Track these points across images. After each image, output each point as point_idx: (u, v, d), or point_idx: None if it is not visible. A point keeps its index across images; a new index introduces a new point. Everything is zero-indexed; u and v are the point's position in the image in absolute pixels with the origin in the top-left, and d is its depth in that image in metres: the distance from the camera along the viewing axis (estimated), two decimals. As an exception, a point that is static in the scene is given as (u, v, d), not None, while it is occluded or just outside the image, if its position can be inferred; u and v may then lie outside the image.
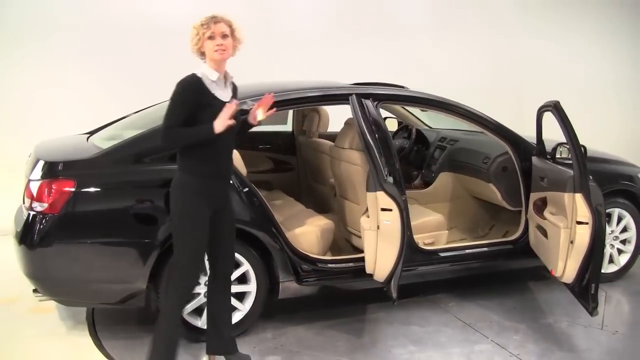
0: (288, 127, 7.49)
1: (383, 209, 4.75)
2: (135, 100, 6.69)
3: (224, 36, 4.10)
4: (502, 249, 5.82)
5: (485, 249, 5.78)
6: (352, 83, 5.92)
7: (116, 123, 6.13)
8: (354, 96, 5.25)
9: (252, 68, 8.59)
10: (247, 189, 4.94)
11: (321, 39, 9.54)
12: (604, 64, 11.23)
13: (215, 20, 4.10)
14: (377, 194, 4.77)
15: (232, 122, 3.99)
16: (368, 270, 5.02)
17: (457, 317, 5.49)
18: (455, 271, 6.12)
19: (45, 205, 4.57)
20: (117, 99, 8.01)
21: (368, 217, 4.95)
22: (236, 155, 5.11)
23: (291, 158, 7.45)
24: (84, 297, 4.89)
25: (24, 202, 4.87)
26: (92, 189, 4.63)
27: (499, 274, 6.47)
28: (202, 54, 4.12)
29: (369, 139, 4.95)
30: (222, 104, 4.04)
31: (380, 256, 4.86)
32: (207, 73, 4.06)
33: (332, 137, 6.22)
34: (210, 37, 4.06)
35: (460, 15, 10.46)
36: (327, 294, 5.87)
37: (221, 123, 3.95)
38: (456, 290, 6.02)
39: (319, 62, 9.29)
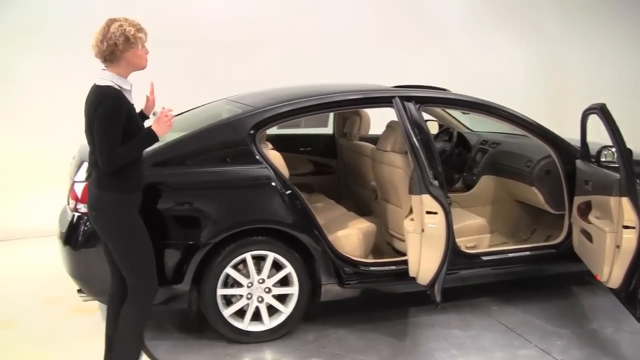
0: (329, 130, 7.49)
1: (428, 212, 4.72)
2: (173, 104, 6.71)
3: None
4: (544, 253, 5.75)
5: (528, 252, 5.71)
6: (394, 86, 5.91)
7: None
8: (397, 99, 5.23)
9: (290, 71, 8.70)
10: (289, 192, 4.94)
11: (360, 42, 9.57)
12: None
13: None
14: (423, 197, 4.75)
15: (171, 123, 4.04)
16: (411, 273, 4.99)
17: (499, 321, 5.45)
18: (498, 275, 6.05)
19: (90, 206, 4.60)
20: (155, 102, 8.05)
21: (412, 219, 4.93)
22: (278, 158, 5.14)
23: (332, 161, 7.44)
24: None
25: (68, 204, 4.93)
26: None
27: (541, 278, 6.41)
28: (105, 60, 3.89)
29: (415, 141, 4.92)
30: (135, 111, 3.97)
31: (424, 259, 4.83)
32: (120, 82, 3.86)
33: (373, 139, 6.21)
34: (143, 46, 3.98)
35: (499, 19, 10.45)
36: (368, 297, 5.83)
37: (164, 127, 4.00)
38: (498, 294, 5.96)
39: (358, 65, 9.30)
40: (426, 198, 4.72)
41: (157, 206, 4.72)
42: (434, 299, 4.84)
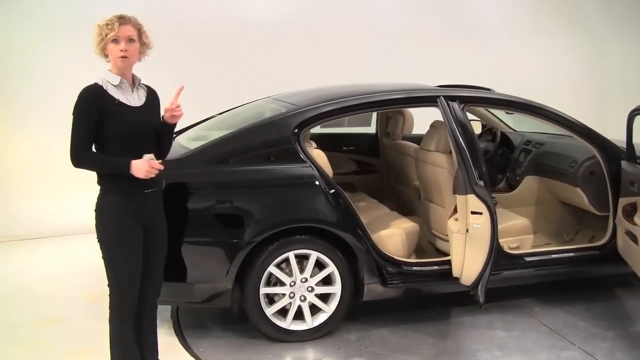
0: (372, 129, 7.49)
1: (473, 212, 4.71)
2: (218, 101, 6.77)
3: (130, 40, 3.73)
4: (588, 255, 5.70)
5: (572, 254, 5.66)
6: (437, 85, 5.90)
7: (201, 124, 6.23)
8: (442, 98, 5.23)
9: (328, 71, 8.70)
10: (333, 191, 4.95)
11: (401, 42, 9.57)
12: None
13: (122, 21, 3.70)
14: (468, 197, 4.74)
15: (153, 174, 3.74)
16: (455, 273, 4.99)
17: (542, 322, 5.42)
18: (541, 276, 5.96)
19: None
20: (199, 100, 8.12)
21: (456, 219, 4.93)
22: (322, 157, 5.15)
23: (374, 160, 7.43)
24: (169, 296, 4.85)
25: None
26: (180, 189, 4.70)
27: (584, 279, 6.33)
28: (107, 56, 3.77)
29: (461, 141, 4.90)
30: (129, 109, 3.77)
31: (468, 260, 4.83)
32: (108, 78, 3.76)
33: (416, 139, 6.22)
34: (114, 40, 3.69)
35: (543, 18, 10.40)
36: (410, 297, 5.80)
37: (141, 172, 3.69)
38: (540, 295, 5.92)
39: (399, 65, 9.29)
40: (471, 198, 4.71)
41: (201, 204, 4.79)
42: (477, 299, 4.85)
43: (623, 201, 5.39)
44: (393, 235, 5.40)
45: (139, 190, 3.87)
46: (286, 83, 6.96)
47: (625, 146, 5.53)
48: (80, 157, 3.69)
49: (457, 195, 4.88)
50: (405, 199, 6.61)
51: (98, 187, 3.86)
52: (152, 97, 4.00)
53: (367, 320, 5.40)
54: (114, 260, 3.87)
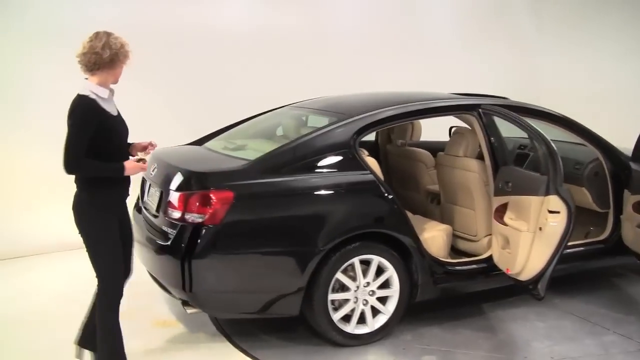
0: (371, 137, 7.56)
1: (551, 212, 4.92)
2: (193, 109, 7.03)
3: None
4: (595, 248, 6.14)
5: (582, 248, 6.08)
6: (452, 93, 6.21)
7: (225, 132, 6.28)
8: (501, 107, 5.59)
9: (298, 79, 8.77)
10: (391, 196, 5.13)
11: (351, 55, 9.71)
12: (617, 76, 11.55)
13: None
14: (549, 198, 4.92)
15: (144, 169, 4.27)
16: (514, 269, 5.17)
17: (569, 312, 5.79)
18: (557, 271, 6.25)
19: (204, 216, 4.61)
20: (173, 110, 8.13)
21: (511, 219, 5.18)
22: (375, 164, 5.34)
23: None
24: (237, 308, 4.97)
25: (165, 213, 4.91)
26: (248, 199, 4.74)
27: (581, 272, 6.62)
28: (97, 69, 4.05)
29: (552, 145, 5.10)
30: (114, 120, 4.15)
31: (534, 256, 5.04)
32: (97, 91, 4.04)
33: (420, 145, 6.48)
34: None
35: (477, 31, 10.83)
36: (453, 296, 5.90)
37: (135, 170, 4.17)
38: (553, 287, 6.10)
39: (345, 75, 9.42)
40: (553, 198, 4.90)
41: (273, 213, 4.81)
42: (537, 293, 5.08)
43: (633, 198, 5.81)
44: (435, 238, 5.61)
45: (121, 188, 4.29)
46: (265, 92, 7.21)
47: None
48: (78, 163, 3.96)
49: (533, 197, 5.03)
50: (415, 203, 6.80)
51: (75, 186, 4.17)
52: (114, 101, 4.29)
53: (411, 320, 5.50)
54: (99, 254, 4.18)
